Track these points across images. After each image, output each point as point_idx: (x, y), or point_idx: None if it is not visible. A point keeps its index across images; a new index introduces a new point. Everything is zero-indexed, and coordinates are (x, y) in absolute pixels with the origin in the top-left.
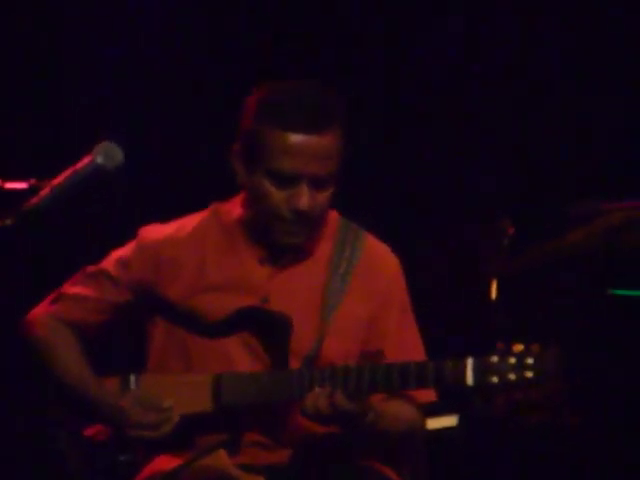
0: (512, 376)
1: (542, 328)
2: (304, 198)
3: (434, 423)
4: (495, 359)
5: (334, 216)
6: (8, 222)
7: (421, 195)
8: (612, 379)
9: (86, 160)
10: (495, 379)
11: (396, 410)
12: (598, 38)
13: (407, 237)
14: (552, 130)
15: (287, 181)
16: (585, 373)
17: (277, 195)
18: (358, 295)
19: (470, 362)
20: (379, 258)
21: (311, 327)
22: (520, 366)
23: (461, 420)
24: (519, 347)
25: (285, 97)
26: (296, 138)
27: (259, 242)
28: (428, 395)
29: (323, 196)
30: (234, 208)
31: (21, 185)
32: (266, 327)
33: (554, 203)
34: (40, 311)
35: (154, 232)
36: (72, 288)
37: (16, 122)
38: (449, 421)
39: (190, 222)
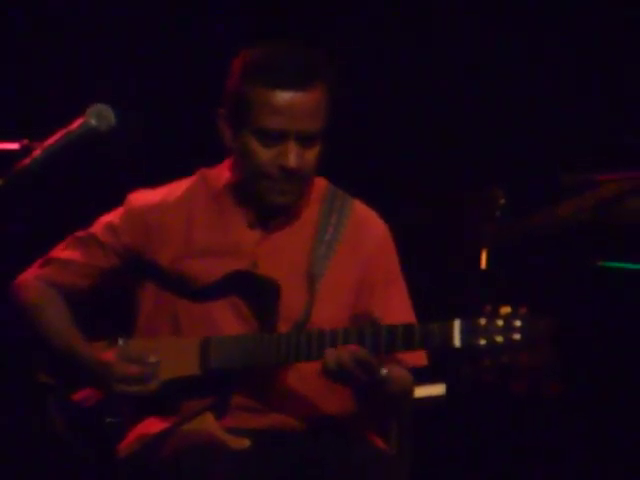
0: (499, 338)
1: (531, 299)
2: (292, 156)
3: (422, 391)
4: (483, 321)
5: (322, 183)
6: (0, 183)
7: (410, 164)
8: (599, 350)
9: (78, 121)
10: (482, 341)
11: (398, 372)
12: None
13: (396, 206)
14: (545, 98)
15: (274, 139)
16: (572, 344)
17: (265, 154)
18: (346, 261)
19: (457, 324)
20: (366, 223)
21: (299, 292)
22: (507, 328)
23: (449, 389)
24: (507, 309)
25: (270, 56)
26: (282, 95)
27: (248, 206)
28: (418, 359)
29: (311, 153)
30: (222, 173)
31: (13, 146)
32: (255, 291)
33: (546, 174)
34: (29, 275)
35: (142, 198)
36: (61, 252)
37: (8, 82)
38: (437, 389)
39: (178, 188)
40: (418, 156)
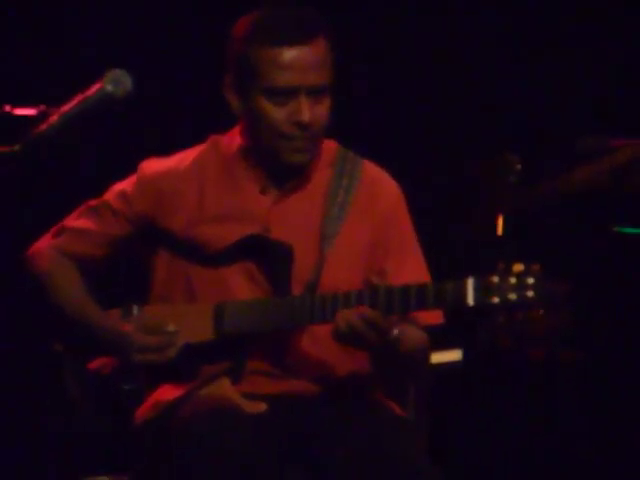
0: (512, 296)
1: (547, 265)
2: (305, 110)
3: (438, 357)
4: (495, 279)
5: (332, 145)
6: (16, 148)
7: (427, 130)
8: (615, 316)
9: (95, 87)
10: (496, 299)
11: (411, 332)
12: None
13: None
14: (562, 65)
15: (285, 96)
16: (588, 309)
17: (277, 113)
18: (358, 222)
19: (471, 282)
20: (378, 183)
21: (312, 255)
22: (520, 286)
23: (465, 354)
24: (520, 267)
25: (270, 17)
26: (288, 51)
27: (259, 171)
28: (434, 317)
29: (322, 108)
30: (233, 139)
31: (30, 111)
32: (267, 256)
33: (562, 139)
34: (42, 244)
35: (154, 165)
36: (74, 221)
37: (26, 49)
38: (453, 355)
39: (190, 155)
40: (434, 122)
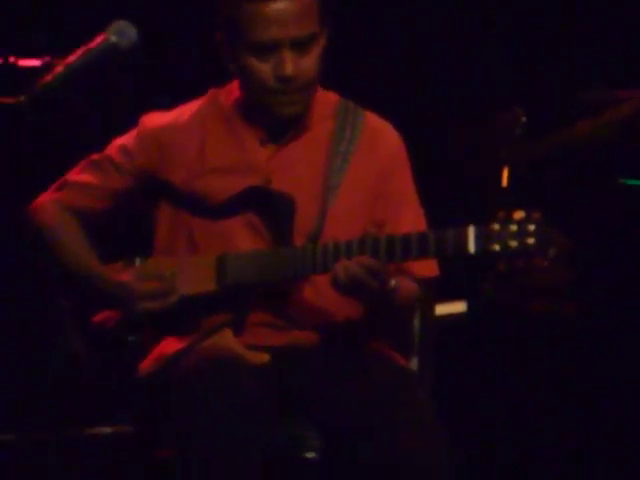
0: (513, 243)
1: (552, 217)
2: (287, 63)
3: (443, 309)
4: (496, 226)
5: (333, 97)
6: (22, 99)
7: (430, 82)
8: (619, 270)
9: (100, 38)
10: (497, 247)
11: (406, 284)
12: None
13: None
14: (564, 16)
15: (268, 51)
16: (592, 263)
17: (262, 68)
18: (360, 172)
19: (472, 230)
20: (380, 133)
21: (314, 206)
22: (522, 233)
23: (470, 306)
24: (520, 214)
25: None
26: (268, 6)
27: (258, 123)
28: (429, 269)
29: (308, 60)
30: (232, 91)
31: (35, 62)
32: (269, 207)
33: (566, 91)
34: (44, 198)
35: (155, 119)
36: (76, 176)
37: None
38: (458, 307)
39: (190, 108)
40: (437, 77)
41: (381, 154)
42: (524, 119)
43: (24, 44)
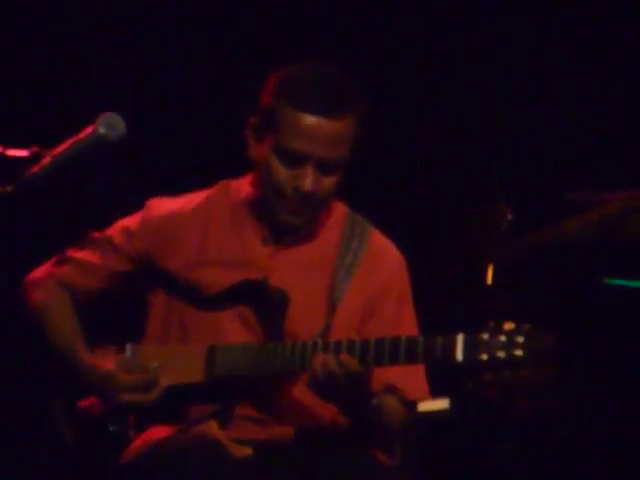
0: (501, 354)
1: (537, 315)
2: (308, 180)
3: (426, 406)
4: (485, 336)
5: (341, 207)
6: (9, 189)
7: (415, 181)
8: (604, 367)
9: (89, 130)
10: (484, 356)
11: (392, 405)
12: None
13: (404, 225)
14: (553, 117)
15: (294, 160)
16: (577, 361)
17: (283, 173)
18: (360, 286)
19: (460, 338)
20: (383, 252)
21: (314, 311)
22: (510, 344)
23: (453, 403)
24: (510, 325)
25: (304, 77)
26: (308, 119)
27: (264, 222)
28: (422, 393)
29: (329, 181)
30: (243, 187)
31: (23, 153)
32: (262, 301)
33: (553, 190)
34: (41, 272)
35: (161, 205)
36: (75, 253)
37: (19, 90)
38: (441, 404)
39: (197, 197)
40: (423, 172)
41: (381, 273)
42: (510, 216)
43: (12, 134)
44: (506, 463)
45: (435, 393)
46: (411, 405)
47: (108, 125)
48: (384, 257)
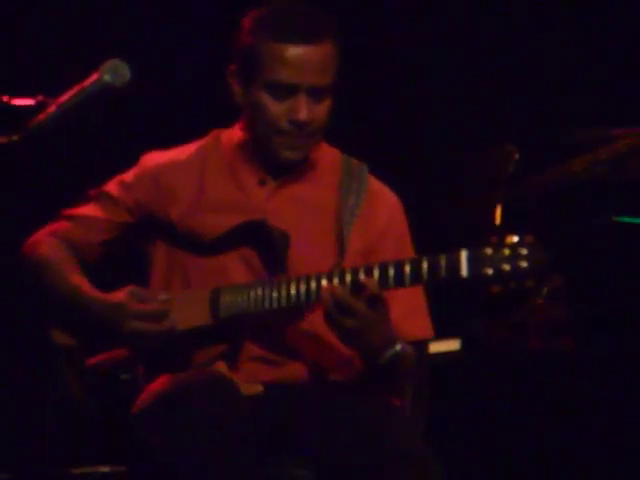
0: (506, 266)
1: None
2: (303, 109)
3: (437, 347)
4: (489, 251)
5: (336, 152)
6: (15, 138)
7: (424, 121)
8: (614, 307)
9: (93, 77)
10: (490, 270)
11: (410, 352)
12: None
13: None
14: (560, 55)
15: (285, 92)
16: (587, 300)
17: (276, 108)
18: (361, 228)
19: (464, 254)
20: (380, 195)
21: (316, 250)
22: (514, 256)
23: (464, 343)
24: (513, 239)
25: (280, 12)
26: (293, 49)
27: (259, 164)
28: (424, 331)
29: (321, 108)
30: (234, 133)
31: (28, 101)
32: (264, 241)
33: (560, 129)
34: (40, 233)
35: (155, 157)
36: (74, 210)
37: (24, 39)
38: (452, 345)
39: (190, 148)
40: (431, 115)
41: (378, 216)
42: (517, 156)
43: (17, 83)
44: (515, 405)
45: (446, 334)
46: (421, 346)
47: (113, 72)
48: (381, 200)
